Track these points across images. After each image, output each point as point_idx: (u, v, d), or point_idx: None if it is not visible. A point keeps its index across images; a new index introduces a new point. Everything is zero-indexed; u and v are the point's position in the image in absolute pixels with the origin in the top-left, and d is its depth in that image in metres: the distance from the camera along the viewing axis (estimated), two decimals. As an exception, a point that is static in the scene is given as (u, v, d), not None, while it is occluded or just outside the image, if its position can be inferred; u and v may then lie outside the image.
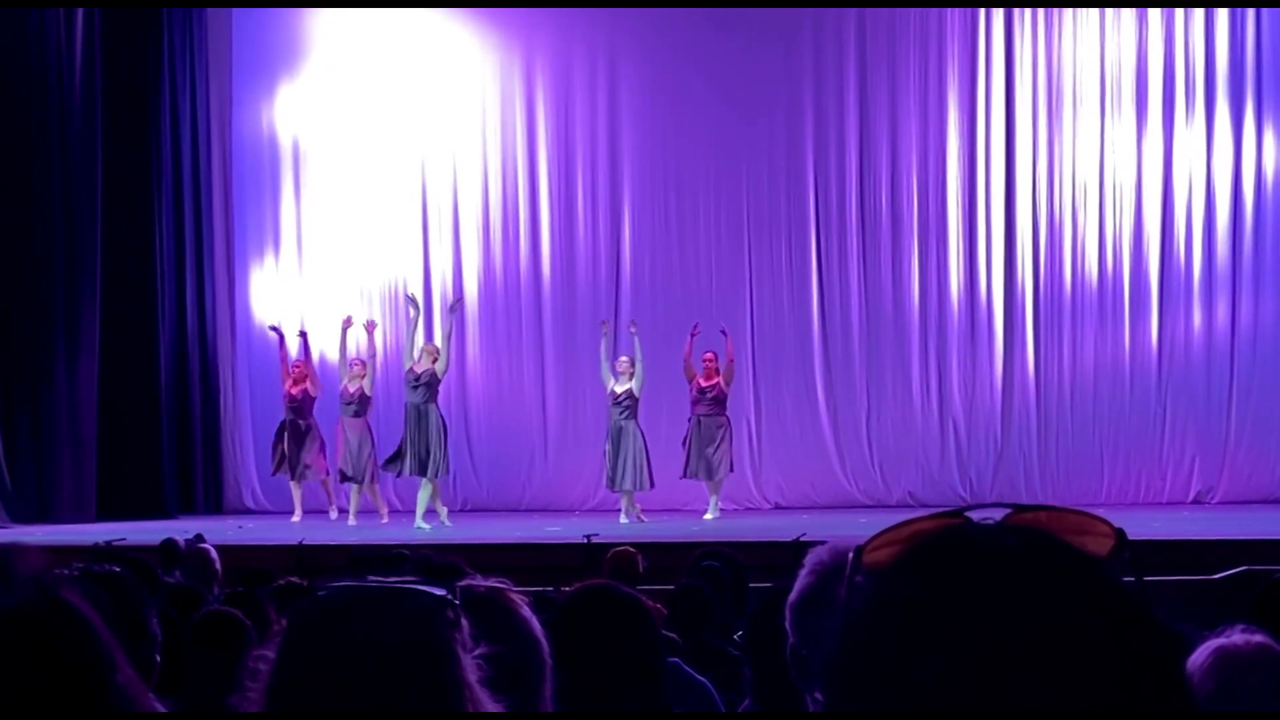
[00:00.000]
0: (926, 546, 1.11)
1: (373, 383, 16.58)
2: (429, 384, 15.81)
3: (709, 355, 16.19)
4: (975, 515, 1.16)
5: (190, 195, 18.52)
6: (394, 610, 2.02)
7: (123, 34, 17.83)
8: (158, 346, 18.07)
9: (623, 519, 15.83)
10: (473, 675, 2.03)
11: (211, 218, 18.67)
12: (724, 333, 16.46)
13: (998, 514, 1.18)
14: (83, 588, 1.38)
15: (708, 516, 16.03)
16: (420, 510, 15.68)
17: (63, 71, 17.13)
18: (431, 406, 15.82)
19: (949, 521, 1.15)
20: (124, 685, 1.39)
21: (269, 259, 18.89)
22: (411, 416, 15.85)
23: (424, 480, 15.80)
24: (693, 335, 16.33)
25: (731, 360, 16.31)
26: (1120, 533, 1.23)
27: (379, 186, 18.61)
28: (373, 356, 16.75)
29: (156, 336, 18.07)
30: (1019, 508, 1.18)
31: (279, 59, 18.76)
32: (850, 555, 1.20)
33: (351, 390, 16.40)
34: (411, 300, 16.94)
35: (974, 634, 1.04)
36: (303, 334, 17.34)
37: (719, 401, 16.06)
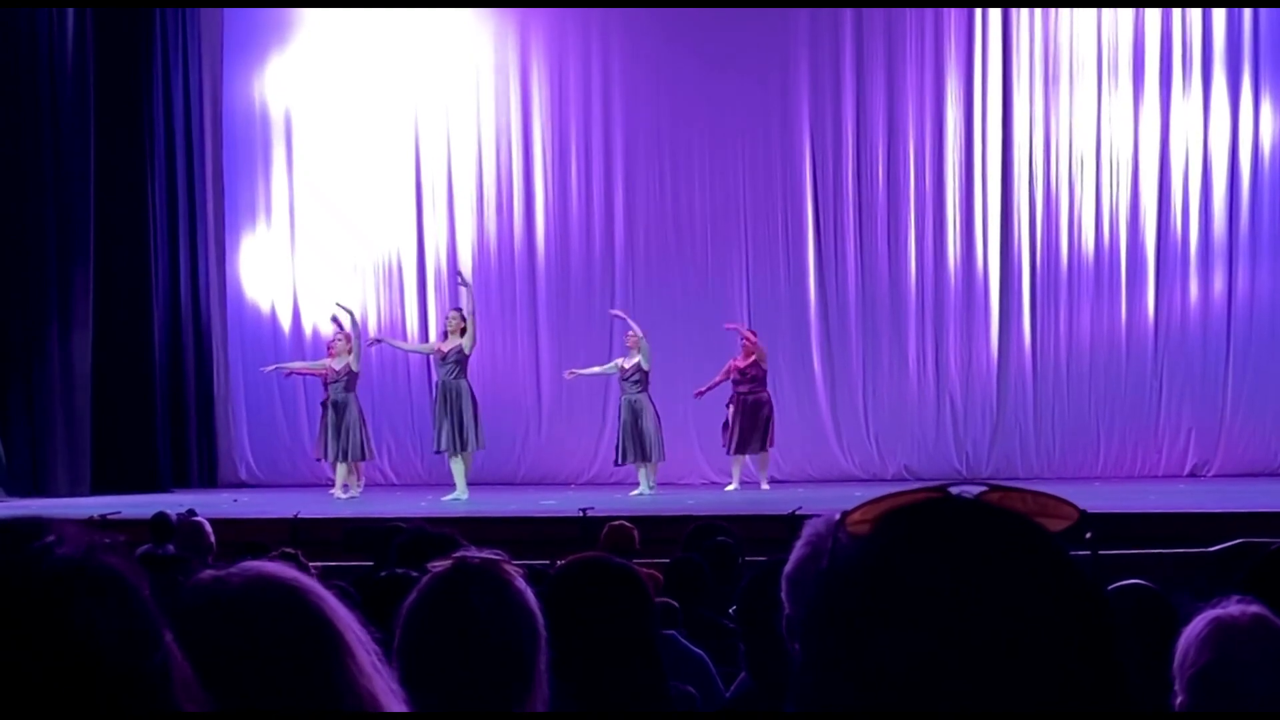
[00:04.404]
0: (898, 515, 1.19)
1: (359, 359, 16.56)
2: (457, 360, 15.88)
3: (748, 335, 16.35)
4: (958, 492, 1.23)
5: (183, 168, 18.49)
6: (258, 602, 1.95)
7: (114, 7, 17.77)
8: (151, 320, 18.06)
9: (645, 489, 15.89)
10: (364, 660, 1.97)
11: (204, 191, 18.64)
12: (732, 326, 16.61)
13: (973, 490, 1.25)
14: (126, 559, 1.37)
15: (764, 487, 16.23)
16: (461, 482, 15.81)
17: (54, 46, 17.07)
18: (462, 382, 15.90)
19: (929, 495, 1.21)
20: (170, 647, 1.39)
21: (261, 232, 18.87)
22: (441, 393, 15.94)
23: (455, 457, 15.90)
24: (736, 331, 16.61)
25: (754, 342, 16.42)
26: (1082, 514, 1.31)
27: (372, 160, 18.57)
28: (358, 335, 16.71)
29: (150, 310, 18.06)
30: (994, 487, 1.25)
31: (270, 32, 18.71)
32: (835, 520, 1.26)
33: (338, 368, 16.39)
34: (461, 278, 16.86)
35: (934, 602, 1.11)
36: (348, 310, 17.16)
37: (759, 380, 16.22)
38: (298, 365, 17.39)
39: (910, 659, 1.10)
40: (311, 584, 1.99)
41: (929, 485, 1.23)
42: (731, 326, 16.73)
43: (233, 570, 1.99)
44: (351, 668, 1.94)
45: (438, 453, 16.37)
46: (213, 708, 1.80)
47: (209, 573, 1.99)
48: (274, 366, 17.54)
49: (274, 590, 1.96)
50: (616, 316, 16.75)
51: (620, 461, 16.27)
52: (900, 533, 1.16)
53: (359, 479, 16.75)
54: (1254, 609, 2.86)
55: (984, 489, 1.24)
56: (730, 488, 16.30)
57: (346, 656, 1.94)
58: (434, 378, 16.85)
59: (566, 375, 16.86)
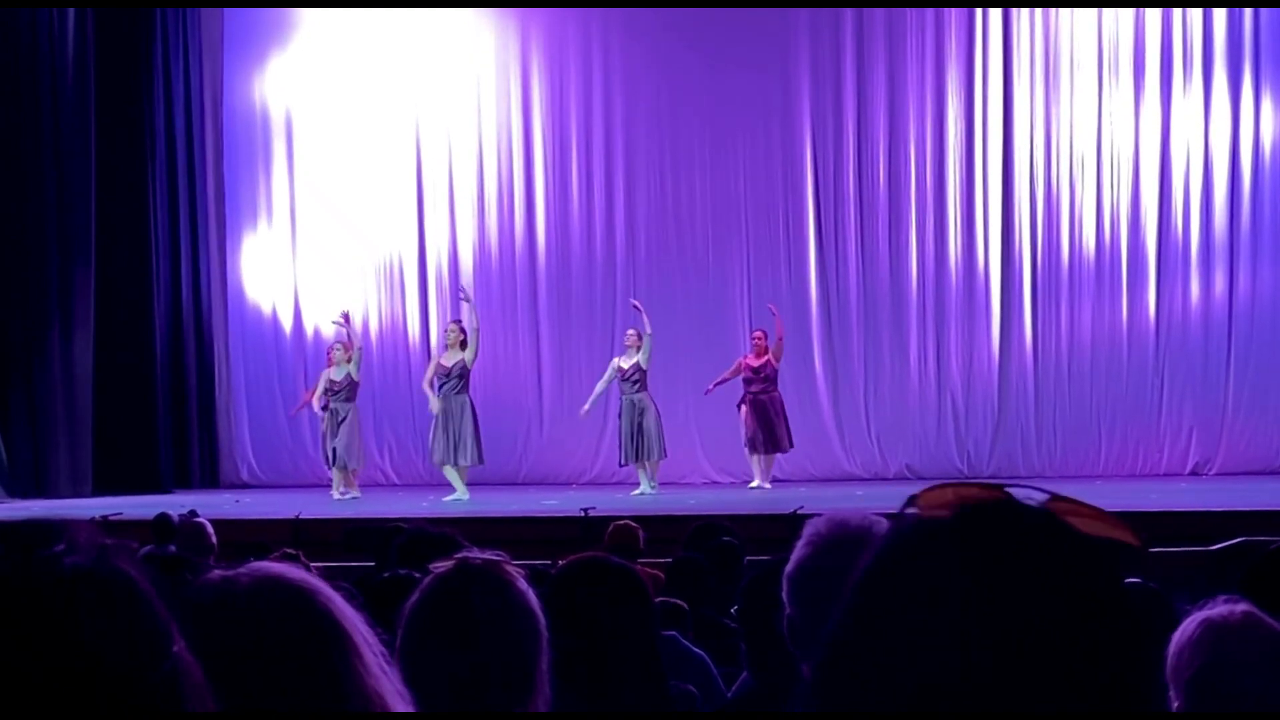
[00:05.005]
0: (980, 509, 1.23)
1: (359, 367, 16.54)
2: (460, 375, 15.86)
3: (758, 334, 16.28)
4: (1023, 496, 1.26)
5: (184, 169, 18.49)
6: (266, 603, 1.95)
7: (115, 7, 17.78)
8: (153, 321, 18.06)
9: (646, 488, 15.87)
10: (371, 659, 1.97)
11: (205, 191, 18.64)
12: (773, 311, 16.52)
13: (1036, 495, 1.28)
14: (137, 564, 1.38)
15: (766, 486, 16.18)
16: (460, 485, 15.83)
17: (55, 46, 17.07)
18: (463, 398, 15.88)
19: (994, 494, 1.26)
20: (180, 655, 1.39)
21: (262, 232, 18.87)
22: (442, 408, 15.93)
23: (448, 468, 15.93)
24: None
25: (781, 337, 16.35)
26: (1143, 543, 1.34)
27: (373, 160, 18.57)
28: (359, 345, 16.70)
29: (151, 311, 18.06)
30: (1056, 497, 1.28)
31: (271, 32, 18.71)
32: (902, 505, 1.30)
33: (337, 379, 16.36)
34: (464, 293, 16.89)
35: (989, 598, 1.17)
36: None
37: (771, 379, 16.15)
38: (308, 397, 17.20)
39: (955, 642, 1.15)
40: (320, 584, 2.00)
41: (991, 483, 1.27)
42: (774, 309, 16.59)
43: (241, 570, 2.00)
44: (358, 668, 1.94)
45: (433, 463, 16.36)
46: (221, 709, 1.81)
47: (218, 572, 2.00)
48: (295, 411, 17.61)
49: (282, 590, 1.97)
50: (634, 307, 16.61)
51: (624, 462, 16.26)
52: (978, 526, 1.20)
53: (353, 485, 16.72)
54: (1242, 608, 2.86)
55: (1047, 496, 1.27)
56: (754, 484, 16.21)
57: (354, 657, 1.95)
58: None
59: (581, 414, 16.72)
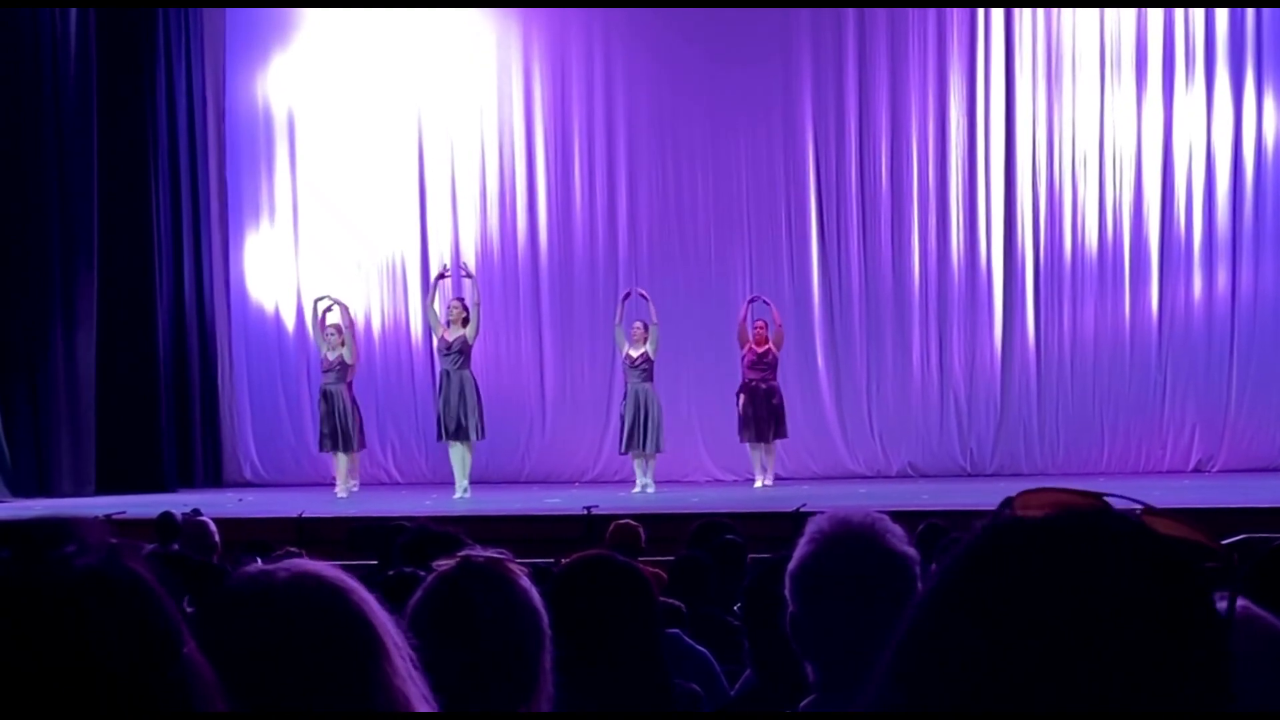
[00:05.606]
0: (1081, 516, 1.24)
1: (353, 351, 16.61)
2: (460, 350, 15.92)
3: (760, 323, 16.27)
4: (1120, 505, 1.30)
5: (186, 167, 18.50)
6: (302, 599, 1.97)
7: (117, 7, 17.78)
8: (155, 319, 18.06)
9: (644, 482, 15.87)
10: (400, 663, 1.99)
11: (208, 189, 18.66)
12: (766, 302, 16.51)
13: (1130, 505, 1.32)
14: (148, 565, 1.38)
15: (766, 483, 16.13)
16: (460, 477, 15.90)
17: (57, 46, 17.08)
18: (465, 373, 15.93)
19: (1091, 501, 1.28)
20: (190, 656, 1.39)
21: (265, 231, 18.88)
22: (444, 383, 16.00)
23: (454, 444, 15.94)
24: (750, 302, 16.55)
25: (780, 325, 16.36)
26: (1229, 556, 1.38)
27: (375, 158, 18.57)
28: (350, 325, 16.77)
29: (154, 309, 18.07)
30: (1149, 509, 1.31)
31: (273, 31, 18.71)
32: (1000, 505, 1.32)
33: (331, 359, 16.43)
34: (466, 269, 17.00)
35: (1078, 606, 1.17)
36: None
37: (772, 367, 16.16)
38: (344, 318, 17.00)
39: (1039, 644, 1.16)
40: (355, 585, 2.02)
41: (1088, 491, 1.30)
42: (755, 301, 16.58)
43: (280, 565, 2.01)
44: (387, 669, 1.96)
45: (440, 441, 16.38)
46: (244, 704, 1.81)
47: (256, 566, 2.02)
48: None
49: (319, 588, 1.99)
50: (641, 296, 16.55)
51: (625, 450, 16.26)
52: (1077, 533, 1.21)
53: (355, 474, 16.77)
54: (1239, 604, 2.87)
55: (1140, 508, 1.30)
56: (757, 484, 16.20)
57: (382, 658, 1.96)
58: (437, 372, 16.86)
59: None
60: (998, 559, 1.21)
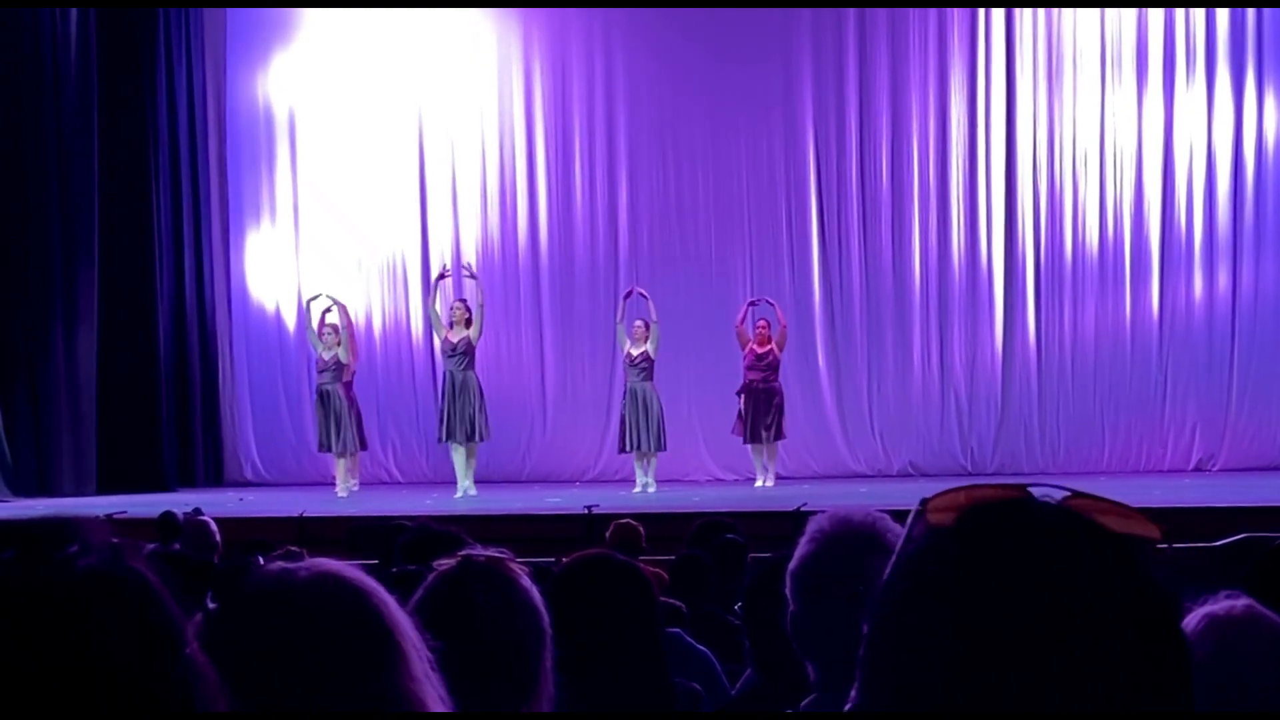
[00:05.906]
0: (982, 511, 1.20)
1: (350, 351, 16.60)
2: (465, 351, 15.93)
3: (763, 323, 16.26)
4: (1041, 494, 1.24)
5: (187, 168, 18.50)
6: (322, 599, 1.98)
7: (118, 7, 17.78)
8: (156, 319, 18.07)
9: (645, 481, 15.87)
10: (418, 667, 1.99)
11: (208, 189, 18.66)
12: (770, 303, 16.50)
13: (1055, 493, 1.26)
14: (152, 566, 1.38)
15: (767, 483, 16.12)
16: (462, 478, 15.91)
17: (58, 46, 17.09)
18: (469, 374, 15.95)
19: (1011, 493, 1.23)
20: (192, 657, 1.39)
21: (266, 231, 18.88)
22: (449, 384, 16.00)
23: (456, 446, 15.94)
24: (750, 305, 16.54)
25: (784, 325, 16.35)
26: (1164, 534, 1.31)
27: (376, 158, 18.58)
28: (349, 326, 16.77)
29: (155, 309, 18.08)
30: (1077, 494, 1.25)
31: (273, 31, 18.71)
32: (916, 507, 1.28)
33: (326, 358, 16.43)
34: (469, 270, 17.01)
35: (1004, 600, 1.15)
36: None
37: (773, 368, 16.17)
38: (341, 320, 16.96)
39: (967, 646, 1.14)
40: (375, 585, 2.03)
41: (1009, 484, 1.25)
42: (756, 304, 16.58)
43: (300, 565, 2.02)
44: (404, 671, 1.97)
45: (441, 443, 16.37)
46: (261, 702, 1.82)
47: (277, 564, 2.03)
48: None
49: (338, 587, 2.00)
50: (640, 295, 16.54)
51: (625, 449, 16.26)
52: (983, 529, 1.19)
53: (355, 474, 16.76)
54: (1243, 602, 2.87)
55: (1067, 493, 1.25)
56: (758, 483, 16.20)
57: (399, 659, 1.97)
58: (439, 372, 16.86)
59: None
60: (914, 571, 1.20)
